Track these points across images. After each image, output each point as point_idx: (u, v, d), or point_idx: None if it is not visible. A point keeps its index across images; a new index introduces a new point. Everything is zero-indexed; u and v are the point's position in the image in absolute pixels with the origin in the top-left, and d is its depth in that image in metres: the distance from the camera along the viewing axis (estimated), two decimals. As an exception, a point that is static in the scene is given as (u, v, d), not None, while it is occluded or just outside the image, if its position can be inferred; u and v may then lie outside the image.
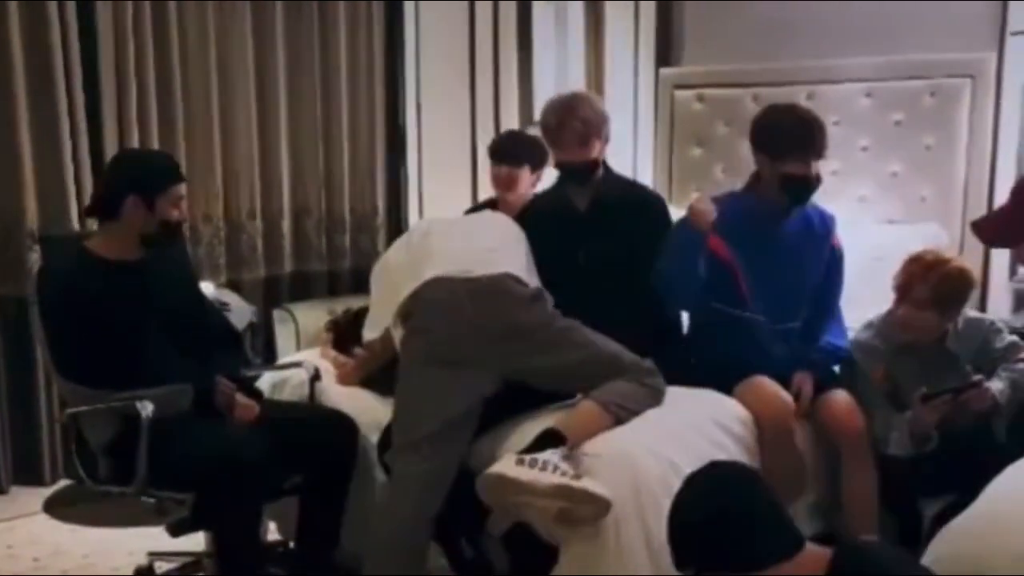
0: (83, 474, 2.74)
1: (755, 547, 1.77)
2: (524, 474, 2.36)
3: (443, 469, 2.60)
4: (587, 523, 2.40)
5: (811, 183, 2.89)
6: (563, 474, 2.36)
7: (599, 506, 2.36)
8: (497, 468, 2.40)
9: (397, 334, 2.79)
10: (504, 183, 3.55)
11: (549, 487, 2.34)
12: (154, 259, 2.77)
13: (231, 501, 2.56)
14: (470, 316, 2.66)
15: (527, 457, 2.39)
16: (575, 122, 3.03)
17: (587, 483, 2.36)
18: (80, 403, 2.68)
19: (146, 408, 2.52)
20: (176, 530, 2.68)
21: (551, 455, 2.40)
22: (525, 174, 3.52)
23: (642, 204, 3.12)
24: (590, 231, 3.03)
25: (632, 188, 3.23)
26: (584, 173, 3.08)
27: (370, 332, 2.94)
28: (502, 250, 2.86)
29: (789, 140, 2.87)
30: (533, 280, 2.81)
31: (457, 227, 3.01)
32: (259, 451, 2.57)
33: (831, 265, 3.04)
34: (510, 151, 3.57)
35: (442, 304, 2.70)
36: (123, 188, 2.69)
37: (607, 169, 3.16)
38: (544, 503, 2.37)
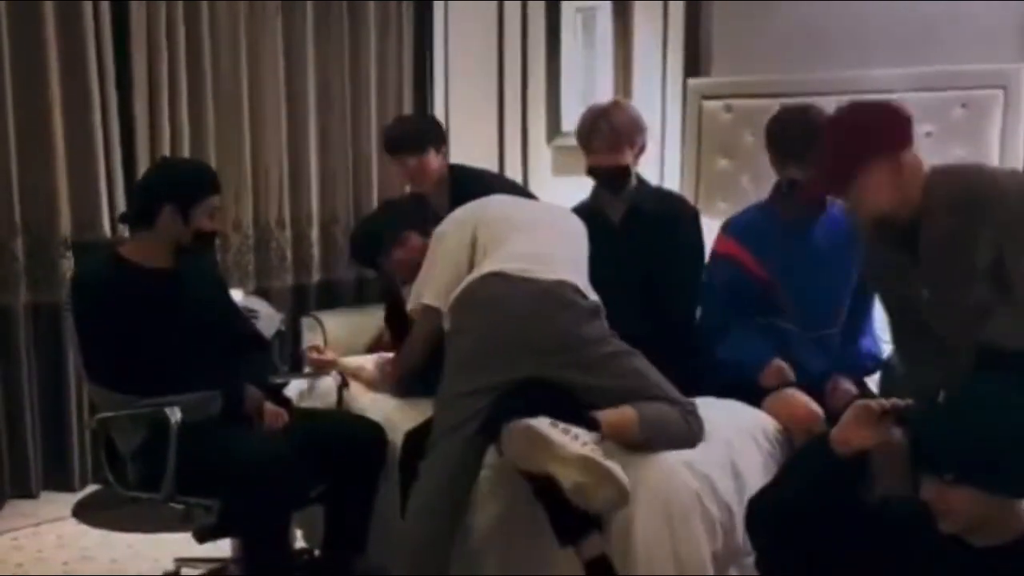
0: (112, 480, 2.77)
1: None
2: (556, 435, 2.30)
3: (462, 459, 2.53)
4: (602, 506, 2.34)
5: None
6: (593, 449, 2.31)
7: (618, 492, 2.31)
8: (529, 420, 2.33)
9: (446, 323, 2.68)
10: (413, 175, 3.43)
11: (576, 456, 2.28)
12: (186, 267, 2.79)
13: (259, 508, 2.57)
14: (522, 316, 2.53)
15: (561, 424, 2.34)
16: (605, 126, 3.03)
17: (613, 465, 2.31)
18: (110, 408, 2.71)
19: (175, 414, 2.54)
20: (203, 536, 2.70)
21: (584, 432, 2.35)
22: (431, 157, 3.40)
23: (676, 218, 3.11)
24: (624, 243, 3.02)
25: (667, 200, 3.22)
26: (614, 179, 3.08)
27: (413, 302, 2.84)
28: (567, 257, 2.74)
29: (789, 144, 2.81)
30: (592, 294, 2.69)
31: (524, 217, 2.85)
32: (287, 458, 2.59)
33: None
34: (410, 140, 3.42)
35: (494, 300, 2.57)
36: (159, 198, 2.71)
37: (641, 181, 3.16)
38: (565, 471, 2.29)
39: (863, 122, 2.27)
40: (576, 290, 2.60)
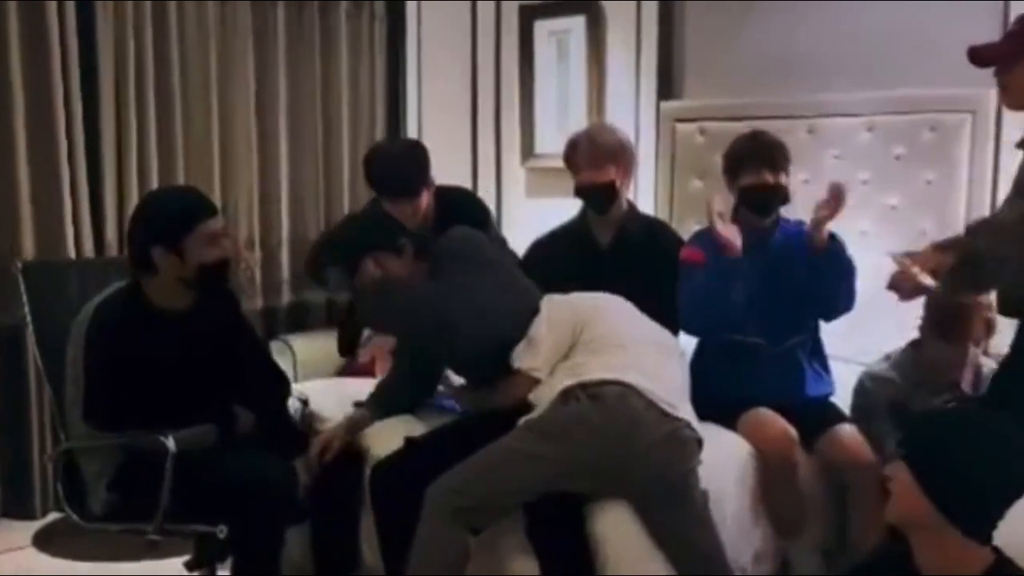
0: (69, 511, 2.66)
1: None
2: None
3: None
4: None
5: (770, 190, 2.92)
6: None
7: None
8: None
9: (544, 392, 2.59)
10: (407, 217, 3.12)
11: None
12: (203, 307, 2.67)
13: (263, 528, 2.50)
14: (648, 447, 2.44)
15: None
16: (586, 143, 3.09)
17: None
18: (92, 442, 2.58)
19: (170, 443, 2.44)
20: (193, 565, 2.61)
21: None
22: (423, 197, 3.19)
23: (664, 245, 3.11)
24: (611, 268, 3.02)
25: (655, 228, 3.25)
26: (599, 197, 3.09)
27: (526, 361, 2.64)
28: (680, 386, 2.65)
29: (740, 155, 2.97)
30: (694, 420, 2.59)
31: (651, 338, 2.74)
32: (285, 476, 2.57)
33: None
34: (404, 187, 3.16)
35: (632, 421, 2.46)
36: (146, 240, 2.57)
37: (631, 206, 3.20)
38: None
39: None
40: (690, 426, 2.52)
